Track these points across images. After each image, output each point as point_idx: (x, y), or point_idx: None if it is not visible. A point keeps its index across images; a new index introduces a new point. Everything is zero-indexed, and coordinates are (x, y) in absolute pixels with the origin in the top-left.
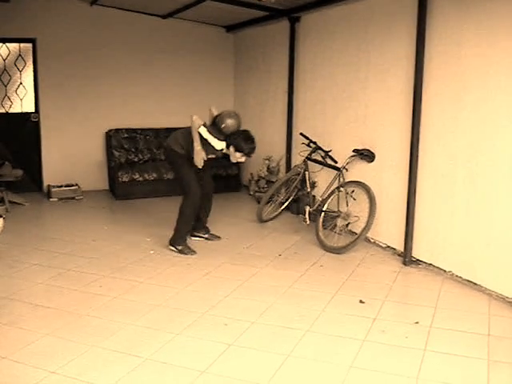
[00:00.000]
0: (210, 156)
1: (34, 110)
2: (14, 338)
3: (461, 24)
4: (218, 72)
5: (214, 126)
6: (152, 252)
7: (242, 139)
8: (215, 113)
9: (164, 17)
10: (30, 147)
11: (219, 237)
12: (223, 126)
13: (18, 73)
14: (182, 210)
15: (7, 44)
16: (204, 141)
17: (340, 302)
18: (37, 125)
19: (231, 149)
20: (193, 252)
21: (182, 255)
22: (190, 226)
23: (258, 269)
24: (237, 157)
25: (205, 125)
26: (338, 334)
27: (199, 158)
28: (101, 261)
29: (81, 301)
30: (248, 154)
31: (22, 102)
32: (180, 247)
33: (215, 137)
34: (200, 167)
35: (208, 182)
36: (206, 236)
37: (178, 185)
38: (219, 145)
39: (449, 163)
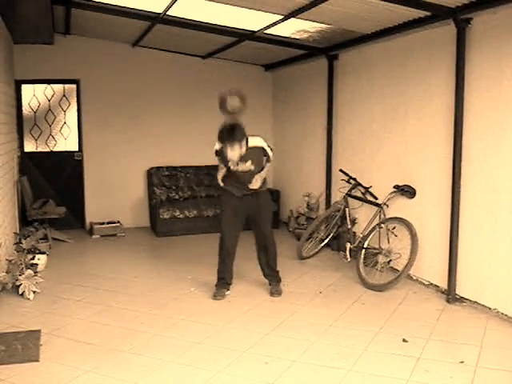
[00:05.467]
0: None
1: (77, 149)
2: (56, 374)
3: (501, 57)
4: (257, 110)
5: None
6: (193, 289)
7: (224, 127)
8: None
9: (204, 57)
10: (73, 185)
11: (280, 293)
12: (224, 107)
13: (63, 112)
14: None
15: (52, 85)
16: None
17: (382, 340)
18: (80, 163)
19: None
20: (219, 298)
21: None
22: (225, 268)
23: (298, 306)
24: (227, 152)
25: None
26: (380, 374)
27: (220, 174)
28: (142, 297)
29: (122, 337)
30: (225, 139)
31: (66, 141)
32: (214, 288)
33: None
34: (220, 182)
35: (262, 233)
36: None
37: None
38: (216, 145)
39: (491, 197)
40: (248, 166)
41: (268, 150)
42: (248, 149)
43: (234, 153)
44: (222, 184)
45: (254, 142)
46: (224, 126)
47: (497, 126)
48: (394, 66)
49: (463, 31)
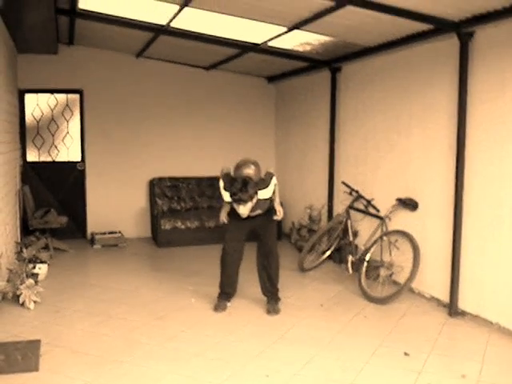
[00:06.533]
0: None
1: (80, 159)
2: None
3: (503, 69)
4: (260, 121)
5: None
6: (193, 300)
7: (232, 179)
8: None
9: (207, 68)
10: (75, 195)
11: (278, 312)
12: (238, 173)
13: (65, 122)
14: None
15: (55, 95)
16: None
17: (384, 354)
18: (82, 173)
19: (225, 190)
20: (220, 310)
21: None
22: (227, 281)
23: (299, 319)
24: (225, 197)
25: (225, 176)
26: None
27: (224, 212)
28: (143, 308)
29: (122, 348)
30: (233, 195)
31: (69, 150)
32: (216, 300)
33: (225, 189)
34: (224, 222)
35: (266, 246)
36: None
37: None
38: (226, 196)
39: (494, 211)
40: (258, 212)
41: (276, 194)
42: (258, 200)
43: (244, 210)
44: (225, 221)
45: (264, 194)
46: (235, 179)
47: (500, 138)
48: (397, 78)
49: (466, 44)
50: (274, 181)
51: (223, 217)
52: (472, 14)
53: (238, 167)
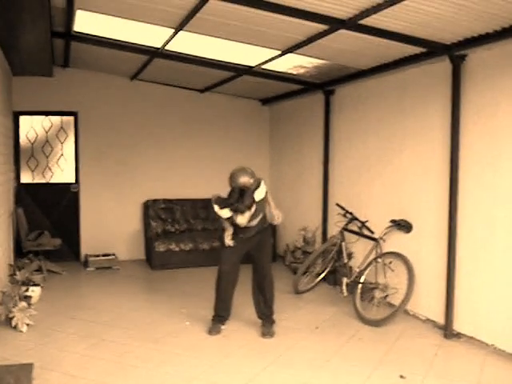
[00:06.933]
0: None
1: (74, 181)
2: None
3: (495, 91)
4: (254, 143)
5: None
6: (188, 323)
7: (225, 199)
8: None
9: (201, 91)
10: (69, 217)
11: (272, 334)
12: (234, 182)
13: (60, 144)
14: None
15: (50, 117)
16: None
17: (380, 376)
18: (76, 195)
19: (222, 209)
20: (214, 333)
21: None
22: (222, 304)
23: (294, 342)
24: (224, 215)
25: (217, 199)
26: None
27: (227, 235)
28: (137, 331)
29: (116, 372)
30: (230, 205)
31: (63, 172)
32: (210, 323)
33: (221, 207)
34: (230, 245)
35: (261, 268)
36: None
37: None
38: (225, 213)
39: (488, 232)
40: (257, 220)
41: (270, 200)
42: (256, 204)
43: (243, 220)
44: (231, 244)
45: (259, 195)
46: (232, 190)
47: (492, 158)
48: (390, 100)
49: (458, 67)
50: (263, 183)
51: (228, 240)
52: (464, 37)
53: (234, 175)
